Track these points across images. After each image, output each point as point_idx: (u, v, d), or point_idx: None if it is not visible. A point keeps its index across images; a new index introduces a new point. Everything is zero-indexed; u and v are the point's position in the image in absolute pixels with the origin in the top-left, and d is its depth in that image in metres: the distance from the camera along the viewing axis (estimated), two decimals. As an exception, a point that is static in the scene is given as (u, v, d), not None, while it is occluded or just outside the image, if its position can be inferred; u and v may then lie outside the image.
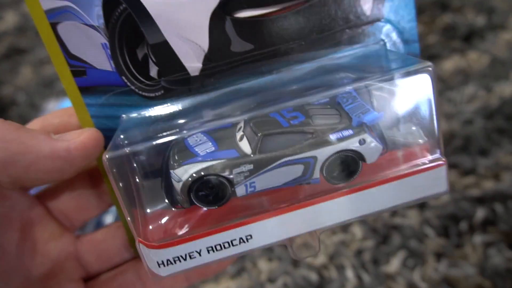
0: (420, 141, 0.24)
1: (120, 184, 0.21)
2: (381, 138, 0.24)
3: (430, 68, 0.22)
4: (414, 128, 0.24)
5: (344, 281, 0.40)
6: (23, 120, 0.65)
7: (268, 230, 0.21)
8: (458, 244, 0.42)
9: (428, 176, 0.23)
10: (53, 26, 0.23)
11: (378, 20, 0.25)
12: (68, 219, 0.26)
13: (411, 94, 0.23)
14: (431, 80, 0.22)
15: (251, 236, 0.21)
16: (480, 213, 0.43)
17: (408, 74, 0.22)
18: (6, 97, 0.71)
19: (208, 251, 0.21)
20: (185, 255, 0.21)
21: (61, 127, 0.24)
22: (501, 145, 0.49)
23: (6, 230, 0.24)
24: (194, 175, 0.22)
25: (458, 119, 0.52)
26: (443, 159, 0.23)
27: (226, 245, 0.21)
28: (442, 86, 0.56)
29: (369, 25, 0.25)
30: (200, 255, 0.21)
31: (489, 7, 0.63)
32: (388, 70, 0.23)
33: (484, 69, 0.57)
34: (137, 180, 0.22)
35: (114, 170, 0.21)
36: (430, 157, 0.24)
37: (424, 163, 0.23)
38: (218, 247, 0.21)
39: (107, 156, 0.21)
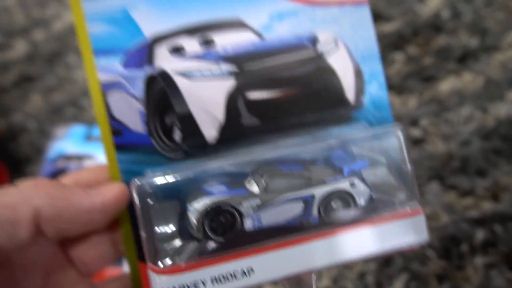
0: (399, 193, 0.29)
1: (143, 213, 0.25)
2: (368, 186, 0.28)
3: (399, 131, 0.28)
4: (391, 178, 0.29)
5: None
6: (33, 146, 0.69)
7: (270, 265, 0.25)
8: (459, 266, 0.42)
9: (407, 223, 0.27)
10: (104, 93, 0.28)
11: (360, 107, 0.31)
12: (86, 267, 0.28)
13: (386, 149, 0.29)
14: (401, 138, 0.28)
15: (252, 269, 0.25)
16: (480, 235, 0.44)
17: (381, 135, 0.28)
18: (16, 124, 0.73)
19: (213, 282, 0.25)
20: (190, 284, 0.25)
21: (93, 182, 0.27)
22: (499, 165, 0.49)
23: (32, 275, 0.26)
24: (208, 204, 0.26)
25: (456, 140, 0.52)
26: (420, 208, 0.28)
27: (230, 276, 0.25)
28: (438, 108, 0.57)
29: (353, 110, 0.31)
30: (205, 285, 0.25)
31: (482, 28, 0.62)
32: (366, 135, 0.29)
33: (479, 90, 0.57)
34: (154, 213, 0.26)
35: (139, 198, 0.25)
36: (408, 207, 0.28)
37: (403, 211, 0.28)
38: (222, 279, 0.25)
39: (136, 183, 0.25)
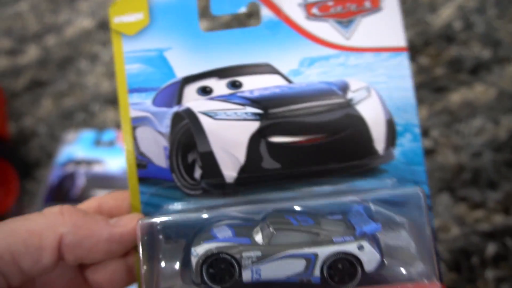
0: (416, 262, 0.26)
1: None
2: (380, 251, 0.26)
3: (421, 194, 0.26)
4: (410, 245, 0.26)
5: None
6: (43, 150, 0.69)
7: None
8: (470, 279, 0.42)
9: None
10: (134, 128, 0.30)
11: (390, 159, 0.30)
12: None
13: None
14: (423, 205, 0.26)
15: None
16: (491, 248, 0.43)
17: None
18: (27, 128, 0.73)
19: None
20: None
21: (114, 209, 0.30)
22: (510, 178, 0.48)
23: None
24: (209, 250, 0.26)
25: (467, 152, 0.52)
26: (439, 284, 0.25)
27: None
28: (449, 119, 0.56)
29: (382, 163, 0.30)
30: None
31: (495, 40, 0.61)
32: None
33: (491, 101, 0.57)
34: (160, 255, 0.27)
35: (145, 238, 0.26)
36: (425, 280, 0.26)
37: (419, 283, 0.25)
38: None
39: (139, 222, 0.26)
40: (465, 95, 0.58)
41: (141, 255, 0.26)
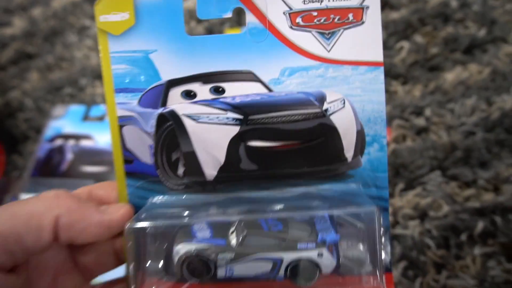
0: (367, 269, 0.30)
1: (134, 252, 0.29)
2: (338, 256, 0.30)
3: (376, 214, 0.29)
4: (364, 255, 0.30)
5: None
6: (31, 124, 0.67)
7: None
8: (458, 255, 0.44)
9: None
10: (120, 127, 0.32)
11: (358, 166, 0.32)
12: (89, 272, 0.32)
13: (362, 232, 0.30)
14: (376, 222, 0.29)
15: None
16: (480, 225, 0.44)
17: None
18: (13, 101, 0.71)
19: None
20: None
21: (104, 197, 0.32)
22: (502, 157, 0.49)
23: (44, 275, 0.30)
24: (188, 251, 0.30)
25: (459, 131, 0.53)
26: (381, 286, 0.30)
27: None
28: (443, 98, 0.57)
29: (350, 169, 0.32)
30: None
31: (491, 19, 0.61)
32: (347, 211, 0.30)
33: (485, 81, 0.57)
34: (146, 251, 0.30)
35: (131, 241, 0.29)
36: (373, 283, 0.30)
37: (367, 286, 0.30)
38: None
39: (127, 227, 0.29)
40: (459, 75, 0.58)
41: (129, 255, 0.29)
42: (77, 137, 0.65)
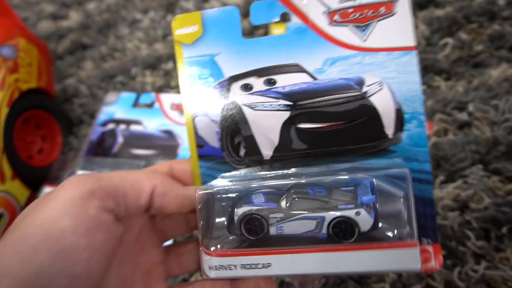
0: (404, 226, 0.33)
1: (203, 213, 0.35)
2: (376, 216, 0.33)
3: (407, 173, 0.32)
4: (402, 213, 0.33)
5: (385, 275, 0.46)
6: (84, 109, 0.74)
7: (283, 264, 0.33)
8: (498, 247, 0.44)
9: (403, 253, 0.31)
10: (193, 118, 0.39)
11: (398, 142, 0.36)
12: (164, 235, 0.37)
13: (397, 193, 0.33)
14: (409, 183, 0.32)
15: (270, 264, 0.33)
16: None
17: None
18: (70, 88, 0.76)
19: (241, 268, 0.34)
20: (226, 266, 0.34)
21: (182, 172, 0.38)
22: None
23: (128, 231, 0.34)
24: (246, 211, 0.35)
25: (503, 126, 0.53)
26: (416, 242, 0.32)
27: (253, 266, 0.33)
28: (487, 94, 0.57)
29: (391, 145, 0.36)
30: (236, 268, 0.34)
31: None
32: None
33: None
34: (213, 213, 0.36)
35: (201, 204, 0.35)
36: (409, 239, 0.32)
37: (403, 242, 0.32)
38: (248, 266, 0.34)
39: (198, 191, 0.35)
40: (505, 71, 0.58)
41: (199, 213, 0.36)
42: (128, 122, 0.69)
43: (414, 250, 0.31)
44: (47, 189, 0.65)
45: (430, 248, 0.35)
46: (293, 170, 0.37)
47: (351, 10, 0.36)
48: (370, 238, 0.33)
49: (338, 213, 0.33)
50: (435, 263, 0.34)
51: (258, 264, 0.33)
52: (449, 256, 0.45)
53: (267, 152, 0.38)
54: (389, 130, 0.36)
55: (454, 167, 0.53)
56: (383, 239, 0.33)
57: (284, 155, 0.37)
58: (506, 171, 0.50)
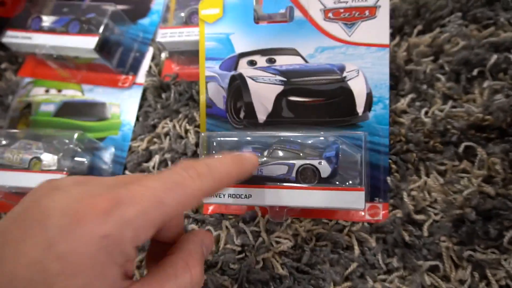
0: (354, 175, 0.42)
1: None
2: (335, 167, 0.42)
3: (363, 136, 0.41)
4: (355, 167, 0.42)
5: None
6: None
7: (260, 196, 0.42)
8: (467, 90, 0.45)
9: (352, 194, 0.40)
10: (207, 82, 0.48)
11: (366, 119, 0.44)
12: None
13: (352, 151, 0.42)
14: (364, 143, 0.41)
15: (251, 195, 0.42)
16: (494, 58, 0.44)
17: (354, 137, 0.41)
18: None
19: (229, 196, 0.43)
20: (217, 194, 0.43)
21: None
22: None
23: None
24: None
25: None
26: (363, 187, 0.40)
27: (238, 196, 0.42)
28: None
29: (360, 121, 0.44)
30: (224, 197, 0.43)
31: None
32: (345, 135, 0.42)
33: None
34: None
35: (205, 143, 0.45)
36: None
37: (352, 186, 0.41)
38: (233, 196, 0.43)
39: (202, 134, 0.45)
40: None
41: (201, 152, 0.45)
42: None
43: (360, 193, 0.40)
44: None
45: (380, 205, 0.43)
46: (281, 133, 0.46)
47: (342, 10, 0.45)
48: (329, 184, 0.42)
49: (305, 162, 0.42)
50: (381, 216, 0.43)
51: (241, 194, 0.42)
52: (418, 98, 0.46)
53: (262, 116, 0.47)
54: (360, 109, 0.44)
55: (433, 15, 0.52)
56: (339, 185, 0.41)
57: (275, 121, 0.46)
58: (484, 19, 0.49)
